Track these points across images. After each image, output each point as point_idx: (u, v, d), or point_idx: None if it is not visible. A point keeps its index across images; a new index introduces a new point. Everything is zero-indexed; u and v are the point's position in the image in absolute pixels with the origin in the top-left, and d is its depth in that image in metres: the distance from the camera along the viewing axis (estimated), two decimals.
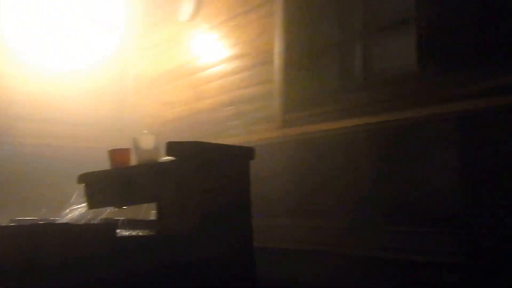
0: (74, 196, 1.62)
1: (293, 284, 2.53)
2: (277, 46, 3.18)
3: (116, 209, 1.63)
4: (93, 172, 1.60)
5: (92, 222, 1.58)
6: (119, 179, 1.61)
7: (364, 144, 2.56)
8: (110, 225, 1.51)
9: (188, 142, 1.56)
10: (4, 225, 1.69)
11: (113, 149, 1.70)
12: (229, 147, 1.68)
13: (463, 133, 2.08)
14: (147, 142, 1.66)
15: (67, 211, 1.61)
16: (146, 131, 1.61)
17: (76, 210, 1.60)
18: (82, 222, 1.57)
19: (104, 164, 1.69)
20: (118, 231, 1.53)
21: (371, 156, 2.47)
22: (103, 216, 1.63)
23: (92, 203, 1.58)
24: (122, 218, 1.66)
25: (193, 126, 3.84)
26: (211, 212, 1.58)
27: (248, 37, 3.47)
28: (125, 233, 1.57)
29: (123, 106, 4.65)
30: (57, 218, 1.69)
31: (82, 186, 1.61)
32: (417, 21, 2.51)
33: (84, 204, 1.60)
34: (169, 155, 1.55)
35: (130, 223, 1.63)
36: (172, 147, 1.54)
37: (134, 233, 1.58)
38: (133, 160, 1.73)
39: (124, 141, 4.38)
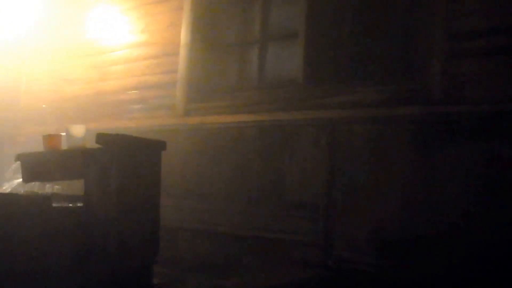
0: (9, 172, 2.04)
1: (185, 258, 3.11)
2: (184, 39, 3.68)
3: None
4: (30, 153, 2.03)
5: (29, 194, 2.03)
6: (51, 159, 2.06)
7: (251, 137, 3.19)
8: (46, 197, 1.97)
9: (112, 134, 2.06)
10: None
11: (48, 135, 2.14)
12: (146, 139, 2.20)
13: (329, 138, 2.79)
14: (78, 131, 2.13)
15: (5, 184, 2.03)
16: (44, 106, 2.05)
17: (13, 184, 2.02)
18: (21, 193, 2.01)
19: None
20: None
21: (256, 149, 3.12)
22: (45, 190, 2.08)
23: (27, 178, 2.01)
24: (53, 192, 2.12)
25: (96, 106, 4.21)
26: (128, 192, 2.10)
27: (156, 27, 3.91)
28: (59, 204, 2.04)
29: (20, 75, 4.83)
30: None
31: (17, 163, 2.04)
32: (305, 35, 3.18)
33: (19, 179, 2.02)
34: (97, 143, 2.03)
35: (64, 197, 2.10)
36: (99, 137, 2.04)
37: (66, 205, 2.05)
38: (64, 145, 2.19)
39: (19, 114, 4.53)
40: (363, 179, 2.68)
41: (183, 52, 3.70)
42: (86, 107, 4.27)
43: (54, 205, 1.98)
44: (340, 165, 2.78)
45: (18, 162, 2.03)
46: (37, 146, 2.19)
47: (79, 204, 2.02)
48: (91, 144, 2.10)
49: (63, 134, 2.09)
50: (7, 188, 2.00)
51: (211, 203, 3.27)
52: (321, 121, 2.85)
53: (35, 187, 2.12)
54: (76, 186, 2.12)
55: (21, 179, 2.03)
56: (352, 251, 2.67)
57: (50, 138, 2.11)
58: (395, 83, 2.69)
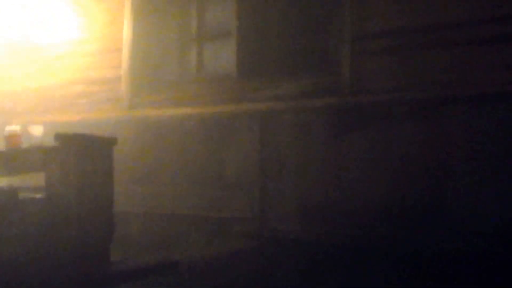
0: None
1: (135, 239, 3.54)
2: (126, 36, 4.03)
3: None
4: None
5: None
6: (14, 156, 2.43)
7: (192, 128, 3.63)
8: (13, 189, 2.34)
9: (70, 134, 2.44)
10: None
11: (9, 134, 2.50)
12: (99, 137, 2.59)
13: (260, 127, 3.27)
14: (37, 130, 2.50)
15: None
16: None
17: None
18: None
19: None
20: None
21: (197, 138, 3.56)
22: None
23: None
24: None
25: (39, 100, 4.49)
26: (85, 183, 2.50)
27: (99, 23, 4.22)
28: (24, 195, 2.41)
29: None
30: None
31: None
32: (238, 34, 3.62)
33: None
34: (56, 141, 2.41)
35: (27, 189, 2.47)
36: (57, 136, 2.42)
37: (31, 195, 2.43)
38: (24, 144, 2.56)
39: None
40: (291, 161, 3.19)
41: (126, 48, 4.04)
42: (28, 101, 4.50)
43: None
44: (272, 150, 3.27)
45: None
46: None
47: (39, 196, 2.40)
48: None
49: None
50: None
51: (158, 188, 3.69)
52: (253, 113, 3.33)
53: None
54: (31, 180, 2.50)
55: None
56: (284, 223, 3.18)
57: (12, 137, 2.47)
58: (314, 77, 3.19)
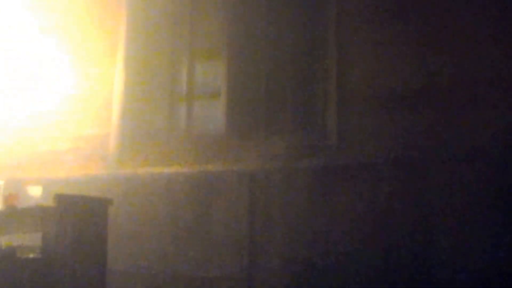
0: None
1: None
2: (117, 93, 4.19)
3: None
4: None
5: None
6: (12, 215, 2.52)
7: (180, 186, 3.74)
8: (12, 249, 2.42)
9: (68, 195, 2.56)
10: None
11: (8, 194, 2.60)
12: (96, 198, 2.71)
13: (249, 186, 3.42)
14: (36, 191, 2.61)
15: None
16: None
17: None
18: None
19: None
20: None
21: (185, 196, 3.68)
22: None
23: None
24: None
25: (26, 155, 4.57)
26: (80, 243, 2.59)
27: (90, 80, 4.37)
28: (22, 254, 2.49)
29: None
30: None
31: None
32: (227, 93, 3.81)
33: None
34: (54, 203, 2.52)
35: (24, 248, 2.55)
36: (57, 197, 2.53)
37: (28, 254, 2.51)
38: (23, 203, 2.66)
39: None
40: (279, 219, 3.33)
41: (116, 105, 4.18)
42: (13, 156, 4.56)
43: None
44: (260, 208, 3.41)
45: None
46: None
47: (33, 255, 2.49)
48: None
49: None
50: None
51: (145, 246, 3.77)
52: (242, 171, 3.48)
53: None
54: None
55: None
56: (272, 280, 3.28)
57: (11, 197, 2.57)
58: (302, 138, 3.39)
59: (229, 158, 3.63)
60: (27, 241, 2.68)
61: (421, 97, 3.12)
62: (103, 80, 4.31)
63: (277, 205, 3.33)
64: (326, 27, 3.42)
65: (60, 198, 2.50)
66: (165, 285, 3.61)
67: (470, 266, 2.85)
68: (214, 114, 3.92)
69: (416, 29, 3.19)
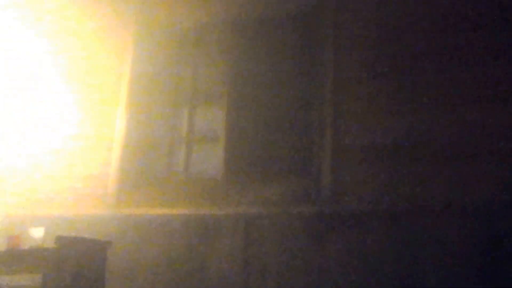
0: None
1: None
2: (118, 134, 4.32)
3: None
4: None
5: None
6: (15, 256, 2.62)
7: (177, 228, 3.84)
8: None
9: (69, 237, 2.66)
10: None
11: (11, 235, 2.70)
12: (95, 240, 2.81)
13: (245, 230, 3.52)
14: (38, 233, 2.71)
15: None
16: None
17: None
18: None
19: None
20: None
21: (181, 238, 3.78)
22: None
23: None
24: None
25: (24, 192, 4.67)
26: (79, 282, 2.68)
27: (92, 121, 4.51)
28: None
29: None
30: None
31: None
32: (225, 139, 3.95)
33: None
34: (55, 244, 2.62)
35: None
36: (57, 239, 2.63)
37: None
38: (26, 244, 2.76)
39: None
40: (273, 263, 3.42)
41: (117, 145, 4.32)
42: (11, 193, 4.65)
43: None
44: (255, 251, 3.50)
45: None
46: None
47: None
48: None
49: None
50: None
51: (140, 287, 3.84)
52: (238, 216, 3.59)
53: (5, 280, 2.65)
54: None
55: None
56: None
57: (13, 238, 2.67)
58: (296, 185, 3.50)
59: (226, 202, 3.75)
60: (27, 281, 2.77)
61: (412, 150, 3.27)
62: (105, 120, 4.45)
63: (272, 249, 3.43)
64: (323, 80, 3.59)
65: (61, 240, 2.61)
66: None
67: None
68: (213, 158, 4.06)
69: (409, 86, 3.36)
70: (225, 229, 3.62)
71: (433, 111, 3.27)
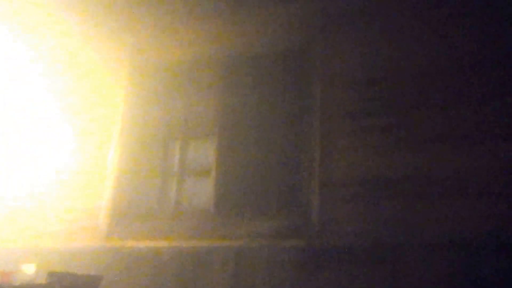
0: None
1: None
2: (111, 168, 4.39)
3: None
4: None
5: None
6: None
7: (168, 261, 3.89)
8: None
9: (61, 273, 2.70)
10: None
11: (2, 271, 2.74)
12: (87, 275, 2.86)
13: (235, 263, 3.57)
14: (29, 269, 2.76)
15: None
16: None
17: None
18: None
19: None
20: None
21: (172, 271, 3.82)
22: None
23: None
24: None
25: (13, 224, 4.70)
26: None
27: (85, 155, 4.59)
28: None
29: None
30: None
31: None
32: (216, 173, 4.02)
33: None
34: (47, 280, 2.66)
35: None
36: (48, 275, 2.68)
37: None
38: (18, 280, 2.80)
39: None
40: None
41: (110, 180, 4.38)
42: (5, 227, 4.70)
43: None
44: (243, 285, 3.54)
45: None
46: None
47: None
48: None
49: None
50: None
51: None
52: (228, 249, 3.64)
53: None
54: None
55: None
56: None
57: (5, 275, 2.71)
58: (286, 219, 3.57)
59: (216, 234, 3.80)
60: None
61: (399, 185, 3.35)
62: (98, 154, 4.52)
63: (262, 282, 3.48)
64: (311, 117, 3.69)
65: (52, 276, 2.65)
66: None
67: None
68: (204, 192, 4.13)
69: (396, 123, 3.46)
70: (215, 261, 3.67)
71: (420, 149, 3.37)
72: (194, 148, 4.31)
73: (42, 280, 2.70)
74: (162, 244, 3.96)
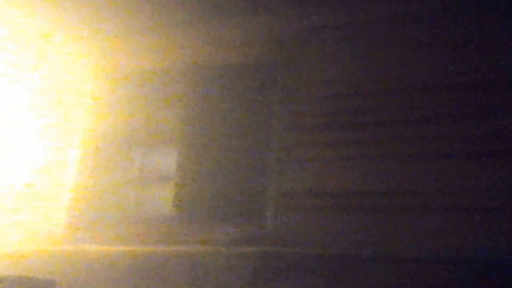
0: None
1: None
2: (69, 173, 4.40)
3: None
4: None
5: None
6: None
7: (127, 266, 3.90)
8: None
9: (11, 276, 2.70)
10: None
11: None
12: (40, 279, 2.86)
13: (191, 269, 3.61)
14: None
15: None
16: None
17: None
18: None
19: None
20: None
21: (127, 275, 3.83)
22: None
23: None
24: None
25: None
26: None
27: (43, 158, 4.59)
28: None
29: None
30: None
31: None
32: (176, 178, 4.06)
33: None
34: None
35: None
36: (0, 279, 2.67)
37: None
38: None
39: None
40: None
41: (69, 185, 4.39)
42: None
43: None
44: None
45: None
46: None
47: None
48: None
49: None
50: None
51: None
52: (185, 255, 3.67)
53: None
54: None
55: None
56: None
57: None
58: (243, 227, 3.65)
59: (174, 240, 3.83)
60: None
61: (356, 198, 3.43)
62: (57, 158, 4.51)
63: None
64: (272, 128, 3.78)
65: (4, 281, 2.65)
66: None
67: None
68: (164, 199, 4.16)
69: (354, 137, 3.57)
70: (172, 267, 3.69)
71: (379, 163, 3.47)
72: (156, 155, 4.34)
73: None
74: (119, 248, 3.97)
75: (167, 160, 4.19)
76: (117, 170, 4.42)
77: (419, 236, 3.26)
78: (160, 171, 4.25)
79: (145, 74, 4.42)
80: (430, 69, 3.57)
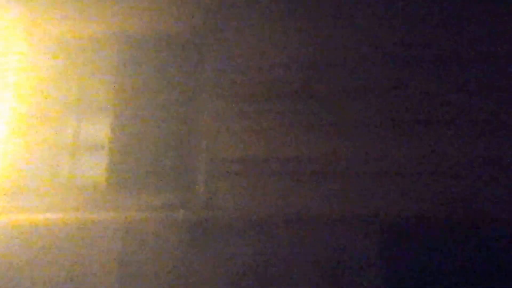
0: None
1: None
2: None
3: None
4: None
5: None
6: None
7: (59, 234, 3.94)
8: None
9: None
10: None
11: None
12: None
13: (123, 236, 3.70)
14: None
15: None
16: None
17: None
18: None
19: None
20: None
21: (59, 243, 3.87)
22: None
23: None
24: None
25: None
26: None
27: None
28: None
29: None
30: None
31: None
32: (109, 148, 4.11)
33: None
34: None
35: None
36: None
37: None
38: None
39: None
40: (148, 266, 3.61)
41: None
42: None
43: None
44: (131, 256, 3.68)
45: None
46: None
47: None
48: None
49: None
50: None
51: None
52: (116, 221, 3.76)
53: None
54: None
55: None
56: None
57: None
58: (174, 192, 3.76)
59: (106, 207, 3.90)
60: None
61: (283, 165, 3.62)
62: None
63: (148, 253, 3.63)
64: (203, 98, 3.88)
65: None
66: None
67: None
68: (97, 166, 4.19)
69: (282, 108, 3.72)
70: (104, 234, 3.77)
71: (304, 133, 3.65)
72: (89, 123, 4.35)
73: None
74: (52, 217, 3.99)
75: (100, 128, 4.22)
76: (49, 138, 4.40)
77: (344, 199, 3.48)
78: (93, 139, 4.27)
79: (76, 42, 4.39)
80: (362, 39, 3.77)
